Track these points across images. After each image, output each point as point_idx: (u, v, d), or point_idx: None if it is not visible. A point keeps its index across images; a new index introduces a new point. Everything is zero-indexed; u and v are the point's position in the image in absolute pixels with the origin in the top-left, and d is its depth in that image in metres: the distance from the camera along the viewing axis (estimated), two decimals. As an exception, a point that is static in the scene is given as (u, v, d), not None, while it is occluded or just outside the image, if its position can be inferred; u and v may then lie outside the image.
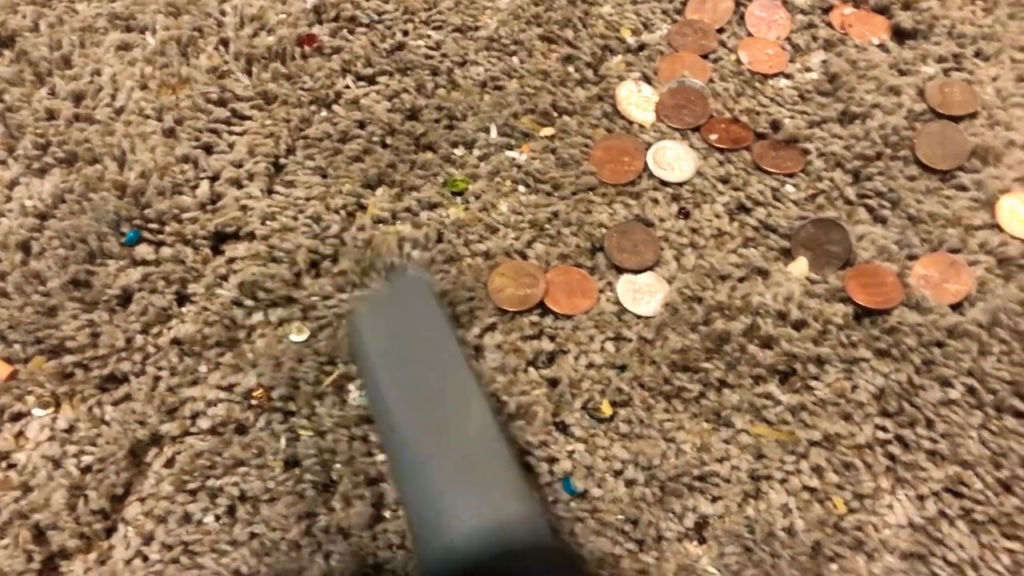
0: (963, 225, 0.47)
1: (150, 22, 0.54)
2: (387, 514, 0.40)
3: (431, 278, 0.44)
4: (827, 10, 0.56)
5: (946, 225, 0.47)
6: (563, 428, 0.42)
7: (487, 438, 0.37)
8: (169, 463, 0.42)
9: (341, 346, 0.42)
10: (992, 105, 0.51)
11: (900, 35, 0.55)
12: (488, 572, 0.33)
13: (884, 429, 0.42)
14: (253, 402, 0.42)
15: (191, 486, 0.41)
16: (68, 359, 0.43)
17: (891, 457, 0.41)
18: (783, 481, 0.41)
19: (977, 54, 0.53)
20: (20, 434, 0.42)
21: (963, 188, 0.49)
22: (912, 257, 0.47)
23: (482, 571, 0.33)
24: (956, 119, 0.51)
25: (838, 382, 0.42)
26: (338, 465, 0.41)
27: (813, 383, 0.43)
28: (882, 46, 0.54)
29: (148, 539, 0.40)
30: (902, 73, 0.52)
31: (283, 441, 0.41)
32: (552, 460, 0.41)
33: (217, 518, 0.40)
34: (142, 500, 0.41)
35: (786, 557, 0.39)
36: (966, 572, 0.39)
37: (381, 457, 0.41)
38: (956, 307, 0.45)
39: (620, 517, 0.40)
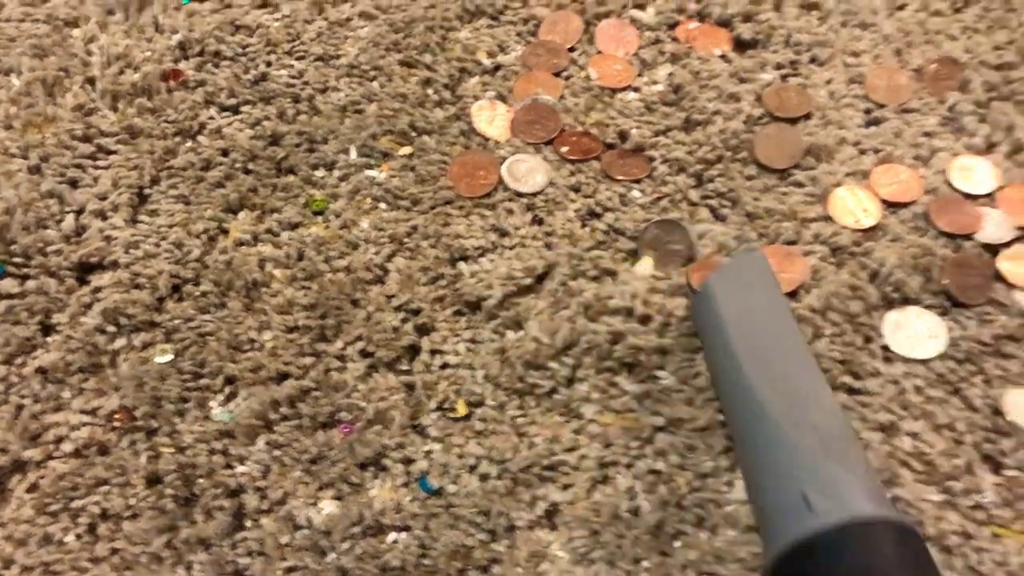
0: (798, 218, 0.50)
1: (15, 64, 0.55)
2: (248, 523, 0.41)
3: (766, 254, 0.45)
4: (673, 26, 0.59)
5: (782, 219, 0.50)
6: (420, 430, 0.44)
7: (840, 420, 0.38)
8: (32, 488, 0.42)
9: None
10: (826, 106, 0.55)
11: (741, 46, 0.58)
12: (845, 538, 0.34)
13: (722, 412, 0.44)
14: (116, 423, 0.43)
15: (53, 508, 0.41)
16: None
17: (729, 437, 0.43)
18: (629, 466, 0.43)
19: (812, 60, 0.57)
20: None
21: (799, 184, 0.52)
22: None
23: (840, 536, 0.34)
24: (792, 121, 0.54)
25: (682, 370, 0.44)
26: (200, 479, 0.42)
27: (658, 372, 0.45)
28: (724, 57, 0.57)
29: (8, 563, 0.40)
30: (742, 81, 0.56)
31: (144, 459, 0.42)
32: (409, 461, 0.43)
33: (78, 537, 0.41)
34: (3, 525, 0.41)
35: (630, 537, 0.41)
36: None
37: (241, 468, 0.42)
38: (792, 294, 0.47)
39: (473, 510, 0.41)
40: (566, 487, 0.42)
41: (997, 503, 0.41)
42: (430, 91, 0.55)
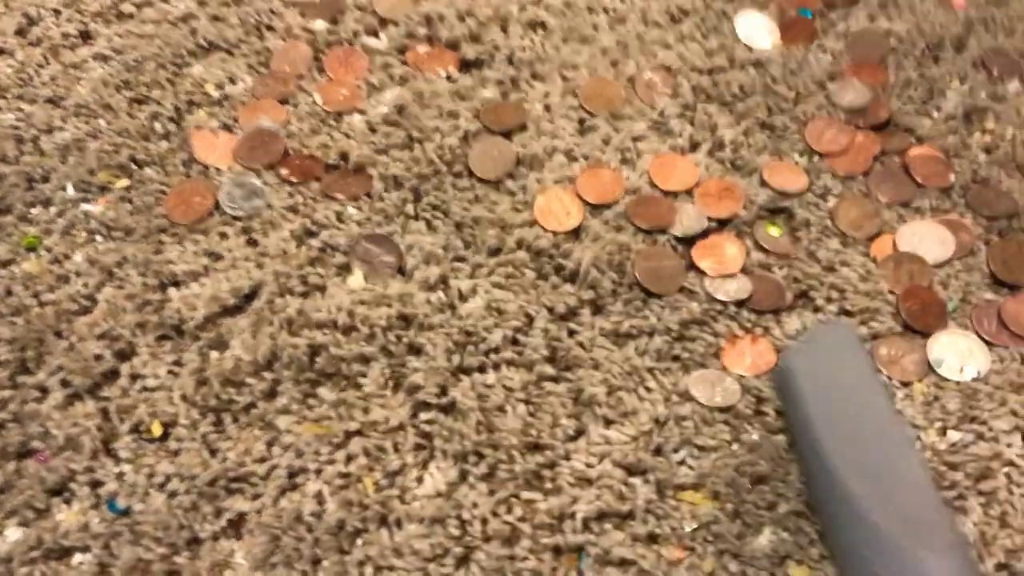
0: (504, 225, 0.52)
1: None
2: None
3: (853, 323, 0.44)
4: (403, 51, 0.61)
5: (489, 227, 0.52)
6: (112, 453, 0.44)
7: (928, 495, 0.37)
8: None
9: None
10: (541, 119, 0.57)
11: (466, 66, 0.60)
12: None
13: (419, 411, 0.45)
14: None
15: None
16: None
17: (425, 435, 0.45)
18: (319, 472, 0.44)
19: (533, 76, 0.59)
20: None
21: (510, 193, 0.54)
22: (459, 259, 0.51)
23: None
24: (507, 134, 0.56)
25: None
26: None
27: (360, 380, 0.47)
28: (449, 77, 0.59)
29: None
30: (462, 98, 0.58)
31: None
32: (98, 484, 0.43)
33: None
34: None
35: (310, 539, 0.42)
36: (473, 525, 0.42)
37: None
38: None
39: (156, 526, 0.42)
40: (255, 497, 0.43)
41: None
42: (157, 125, 0.56)
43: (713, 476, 0.44)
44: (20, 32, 0.60)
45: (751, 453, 0.44)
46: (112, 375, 0.47)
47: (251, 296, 0.50)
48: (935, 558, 0.35)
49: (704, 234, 0.52)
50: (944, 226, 0.53)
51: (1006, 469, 0.44)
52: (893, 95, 0.59)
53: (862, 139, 0.57)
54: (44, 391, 0.46)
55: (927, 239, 0.52)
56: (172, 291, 0.50)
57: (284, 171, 0.54)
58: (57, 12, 0.61)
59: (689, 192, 0.54)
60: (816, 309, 0.50)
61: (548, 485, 0.44)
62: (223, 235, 0.52)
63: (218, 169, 0.54)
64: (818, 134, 0.57)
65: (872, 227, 0.53)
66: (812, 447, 0.40)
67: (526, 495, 0.44)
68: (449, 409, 0.46)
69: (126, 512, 0.42)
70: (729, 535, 0.42)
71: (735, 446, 0.45)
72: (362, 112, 0.58)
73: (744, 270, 0.51)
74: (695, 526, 0.42)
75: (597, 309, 0.50)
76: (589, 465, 0.44)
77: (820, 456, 0.40)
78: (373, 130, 0.57)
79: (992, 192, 0.54)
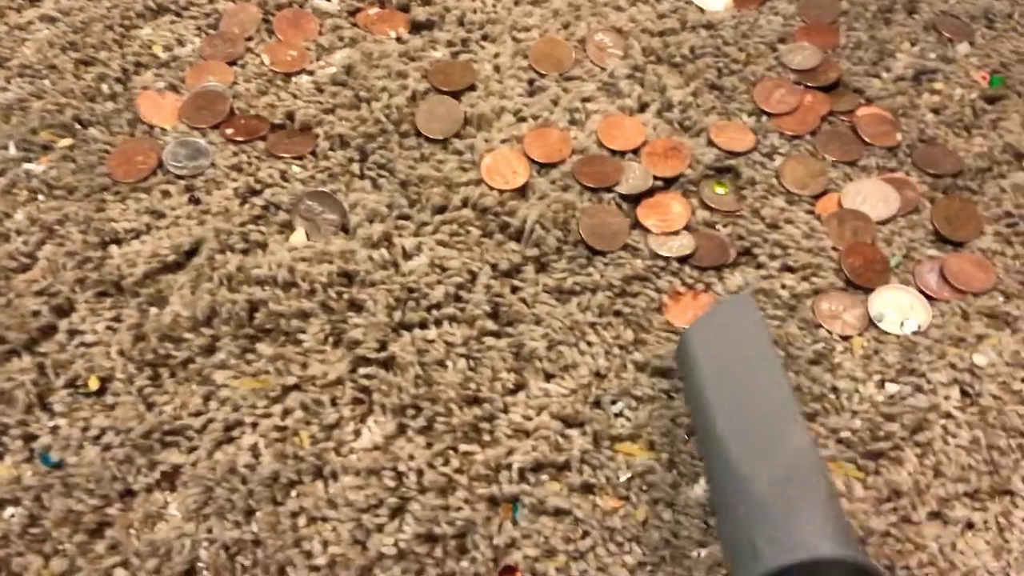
0: (449, 183, 0.52)
1: None
2: None
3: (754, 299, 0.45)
4: (354, 12, 0.60)
5: (435, 185, 0.52)
6: (48, 407, 0.44)
7: (806, 461, 0.38)
8: None
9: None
10: (490, 79, 0.57)
11: (417, 27, 0.60)
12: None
13: (358, 366, 0.45)
14: None
15: None
16: None
17: (364, 390, 0.45)
18: (255, 425, 0.44)
19: (484, 37, 0.59)
20: None
21: (458, 152, 0.54)
22: (403, 217, 0.51)
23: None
24: (456, 94, 0.56)
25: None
26: None
27: (299, 335, 0.46)
28: (399, 39, 0.59)
29: None
30: (412, 59, 0.58)
31: None
32: (32, 437, 0.43)
33: None
34: None
35: (243, 491, 0.41)
36: (409, 477, 0.42)
37: None
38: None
39: (88, 478, 0.42)
40: (190, 450, 0.43)
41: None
42: (104, 86, 0.56)
43: (649, 427, 0.44)
44: (-35, -6, 0.60)
45: (688, 404, 0.44)
46: (50, 331, 0.46)
47: (192, 253, 0.49)
48: (810, 520, 0.36)
49: (650, 192, 0.52)
50: (889, 184, 0.53)
51: (943, 421, 0.44)
52: (843, 57, 0.58)
53: (811, 100, 0.57)
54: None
55: (872, 197, 0.52)
56: (113, 248, 0.49)
57: (229, 130, 0.54)
58: (4, -26, 0.61)
59: (636, 152, 0.54)
60: (759, 265, 0.50)
61: (486, 437, 0.44)
62: (166, 193, 0.51)
63: (163, 129, 0.54)
64: (767, 95, 0.56)
65: (818, 185, 0.53)
66: (701, 415, 0.41)
67: (463, 447, 0.44)
68: (388, 364, 0.46)
69: (59, 465, 0.42)
70: (664, 484, 0.42)
71: (673, 398, 0.45)
72: (310, 73, 0.57)
73: (689, 228, 0.51)
74: (630, 476, 0.42)
75: (541, 266, 0.50)
76: (527, 417, 0.44)
77: (707, 419, 0.41)
78: (320, 90, 0.56)
79: (938, 151, 0.54)
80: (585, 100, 0.56)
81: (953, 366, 0.46)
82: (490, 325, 0.47)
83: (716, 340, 0.43)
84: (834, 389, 0.45)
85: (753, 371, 0.41)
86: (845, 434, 0.43)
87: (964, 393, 0.44)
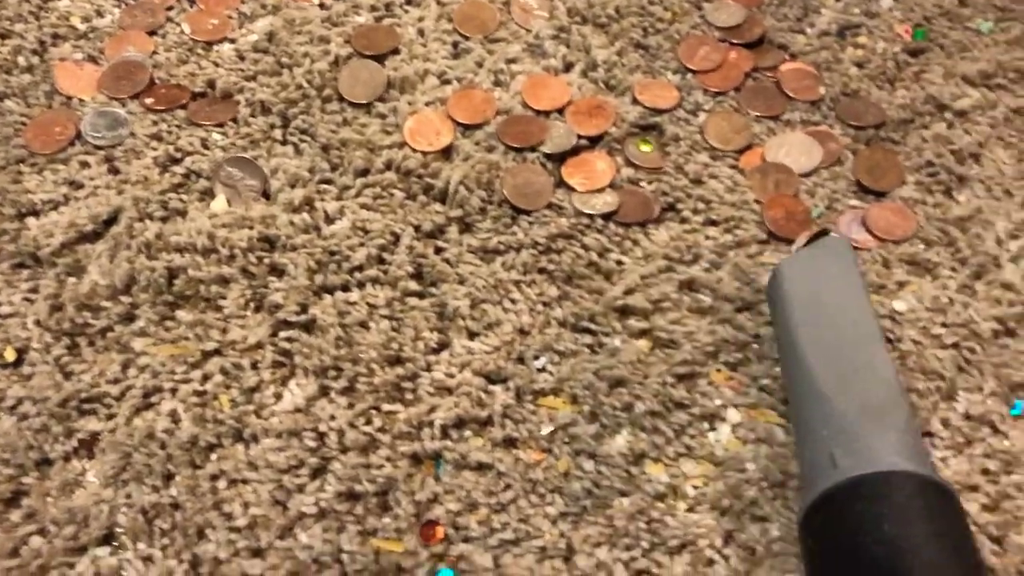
0: (372, 147, 0.51)
1: None
2: None
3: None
4: (278, -20, 0.60)
5: (356, 148, 0.51)
6: (-39, 379, 0.43)
7: (888, 391, 0.39)
8: None
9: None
10: (414, 43, 0.57)
11: (341, -6, 0.59)
12: (861, 490, 0.35)
13: (279, 329, 0.45)
14: None
15: None
16: None
17: (285, 353, 0.45)
18: (174, 391, 0.43)
19: (408, 1, 0.59)
20: None
21: (381, 116, 0.53)
22: (325, 181, 0.50)
23: (856, 488, 0.35)
24: (379, 58, 0.56)
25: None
26: None
27: (219, 301, 0.46)
28: (321, 4, 0.59)
29: None
30: (335, 25, 0.57)
31: None
32: (-55, 411, 0.42)
33: None
34: None
35: (161, 456, 0.41)
36: (330, 437, 0.42)
37: None
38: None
39: (4, 448, 0.41)
40: (108, 417, 0.43)
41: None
42: (20, 58, 0.55)
43: (572, 381, 0.44)
44: None
45: (611, 358, 0.44)
46: (-37, 304, 0.45)
47: (110, 222, 0.49)
48: (886, 437, 0.37)
49: (575, 151, 0.52)
50: (812, 137, 0.53)
51: (862, 365, 0.45)
52: (768, 14, 0.59)
53: (735, 56, 0.57)
54: None
55: (794, 150, 0.52)
56: (30, 220, 0.49)
57: (149, 100, 0.53)
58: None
59: (561, 111, 0.54)
60: (683, 220, 0.50)
61: (408, 396, 0.44)
62: (84, 164, 0.51)
63: (81, 100, 0.53)
64: (691, 52, 0.57)
65: (741, 140, 0.53)
66: (789, 339, 0.42)
67: (386, 407, 0.43)
68: (309, 327, 0.45)
69: (-26, 437, 0.42)
70: (586, 436, 0.42)
71: (596, 352, 0.45)
72: (232, 41, 0.57)
73: (613, 185, 0.51)
74: (552, 429, 0.42)
75: (465, 227, 0.49)
76: (450, 375, 0.44)
77: (795, 347, 0.42)
78: (242, 58, 0.56)
79: (861, 103, 0.55)
80: (510, 61, 0.56)
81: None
82: (413, 286, 0.47)
83: (808, 274, 0.44)
84: (756, 336, 0.45)
85: (843, 307, 0.42)
86: (766, 381, 0.44)
87: (886, 339, 0.45)
